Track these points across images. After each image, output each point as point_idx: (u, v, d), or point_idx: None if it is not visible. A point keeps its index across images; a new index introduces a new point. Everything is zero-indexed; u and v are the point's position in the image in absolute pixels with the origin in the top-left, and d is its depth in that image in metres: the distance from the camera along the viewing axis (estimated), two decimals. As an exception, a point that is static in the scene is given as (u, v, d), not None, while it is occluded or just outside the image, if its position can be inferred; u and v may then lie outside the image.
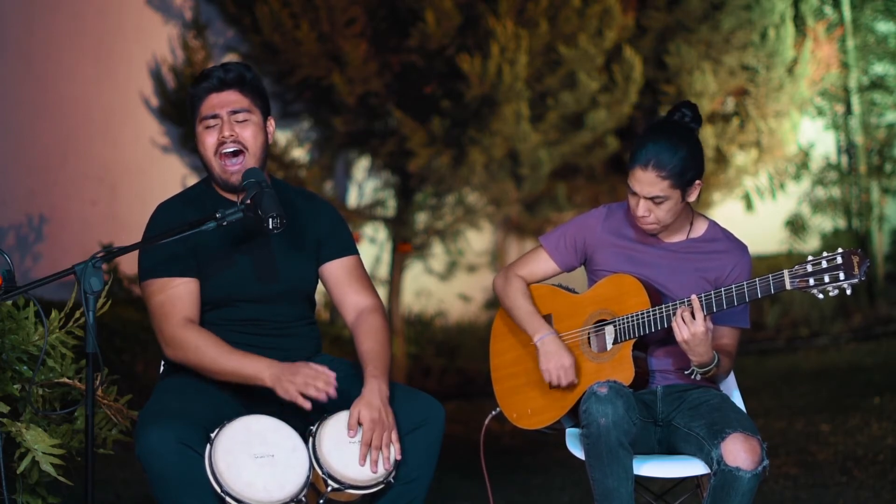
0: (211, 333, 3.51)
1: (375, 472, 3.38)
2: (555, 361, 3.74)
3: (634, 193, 3.67)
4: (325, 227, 3.74)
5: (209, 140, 3.57)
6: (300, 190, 3.86)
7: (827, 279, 3.39)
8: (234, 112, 3.57)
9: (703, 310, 3.53)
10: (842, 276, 3.37)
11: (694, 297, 3.55)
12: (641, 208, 3.67)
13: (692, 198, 3.71)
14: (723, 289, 3.54)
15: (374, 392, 3.46)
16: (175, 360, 3.53)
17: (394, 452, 3.41)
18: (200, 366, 3.49)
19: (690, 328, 3.51)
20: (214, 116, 3.56)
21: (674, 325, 3.54)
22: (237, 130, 3.57)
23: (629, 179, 3.67)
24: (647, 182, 3.63)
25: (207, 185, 3.70)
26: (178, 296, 3.53)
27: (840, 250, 3.39)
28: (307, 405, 3.38)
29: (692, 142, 3.69)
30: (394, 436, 3.42)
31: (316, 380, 3.38)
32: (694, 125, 3.74)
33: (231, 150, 3.56)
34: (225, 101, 3.57)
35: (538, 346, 3.78)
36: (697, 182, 3.70)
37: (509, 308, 3.92)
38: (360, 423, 3.40)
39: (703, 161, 3.71)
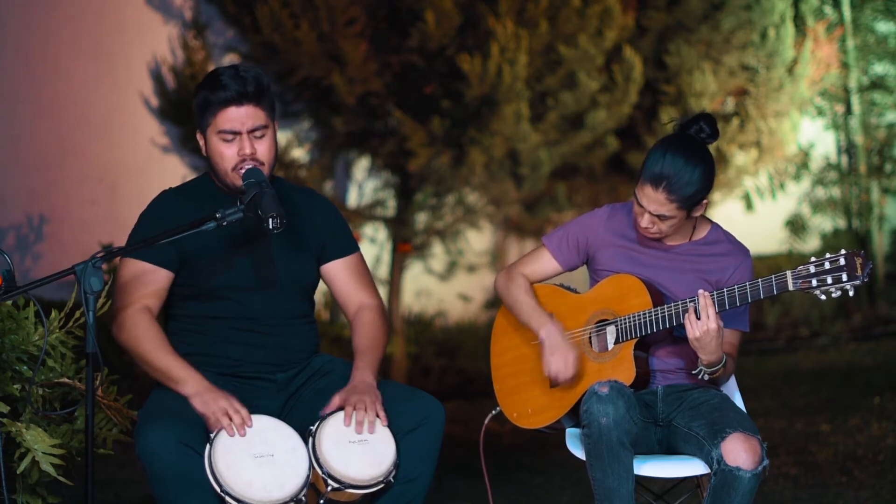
0: (159, 329, 3.54)
1: (360, 434, 3.39)
2: (558, 355, 3.73)
3: (640, 206, 3.66)
4: (327, 226, 3.75)
5: (227, 152, 3.57)
6: (299, 187, 3.87)
7: (830, 280, 3.39)
8: (253, 129, 3.57)
9: (714, 306, 3.52)
10: (844, 277, 3.37)
11: (705, 293, 3.53)
12: (645, 221, 3.67)
13: (697, 213, 3.71)
14: (725, 289, 3.54)
15: (356, 380, 3.51)
16: (117, 341, 3.55)
17: (381, 420, 3.42)
18: (136, 353, 3.51)
19: (704, 325, 3.51)
20: (234, 132, 3.56)
21: (686, 322, 3.53)
22: (256, 146, 3.57)
23: (638, 190, 3.65)
24: (654, 201, 3.62)
25: (208, 179, 3.70)
26: (145, 282, 3.55)
27: (843, 251, 3.39)
28: (211, 428, 3.36)
29: (707, 162, 3.64)
30: (379, 407, 3.44)
31: (235, 414, 3.36)
32: (710, 141, 3.68)
33: (250, 167, 3.56)
34: (245, 117, 3.55)
35: (544, 339, 3.78)
36: (704, 201, 3.69)
37: (512, 305, 3.91)
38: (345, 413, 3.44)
39: (713, 179, 3.66)
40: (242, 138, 3.56)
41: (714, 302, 3.52)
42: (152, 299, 3.55)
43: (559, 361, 3.72)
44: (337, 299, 3.79)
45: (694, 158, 3.61)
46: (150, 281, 3.55)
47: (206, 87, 3.59)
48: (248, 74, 3.58)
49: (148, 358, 3.49)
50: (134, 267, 3.56)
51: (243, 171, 3.56)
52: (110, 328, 3.60)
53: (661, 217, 3.65)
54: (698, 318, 3.52)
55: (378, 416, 3.44)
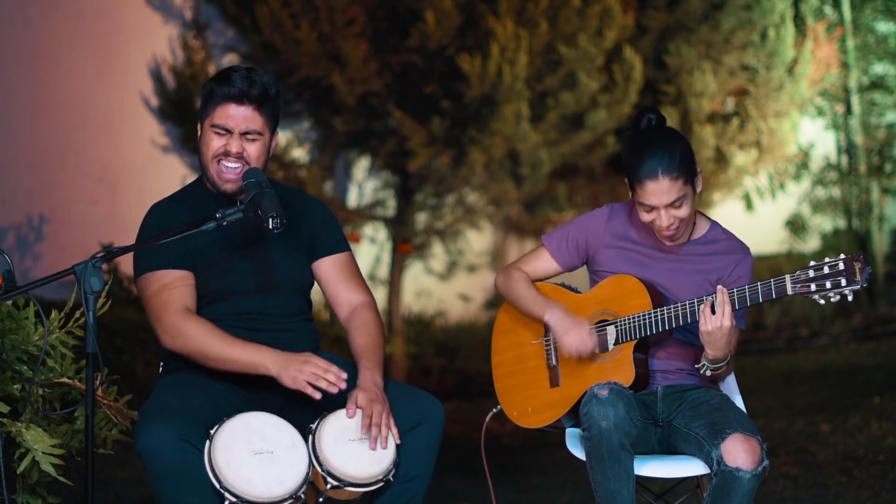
0: (210, 322, 3.53)
1: (374, 450, 3.39)
2: (573, 333, 3.72)
3: (651, 209, 3.65)
4: (317, 223, 3.76)
5: (214, 143, 3.58)
6: (289, 188, 3.89)
7: (829, 285, 3.38)
8: (246, 132, 3.57)
9: (731, 304, 3.51)
10: (843, 282, 3.37)
11: (724, 289, 3.53)
12: (665, 219, 3.65)
13: (699, 187, 3.72)
14: (725, 291, 3.54)
15: (368, 381, 3.51)
16: (175, 350, 3.53)
17: (393, 438, 3.42)
18: (201, 353, 3.49)
19: (718, 321, 3.50)
20: (226, 129, 3.57)
21: (700, 315, 3.52)
22: (244, 146, 3.58)
23: (640, 197, 3.64)
24: (663, 191, 3.61)
25: (200, 184, 3.71)
26: (175, 287, 3.54)
27: (842, 256, 3.38)
28: (317, 395, 3.40)
29: (675, 134, 3.72)
30: (391, 420, 3.44)
31: (326, 373, 3.40)
32: (663, 123, 3.77)
33: (233, 164, 3.57)
34: (241, 118, 3.56)
35: (550, 323, 3.77)
36: (699, 170, 3.71)
37: (514, 299, 3.91)
38: (358, 408, 3.43)
39: (689, 142, 3.73)
40: (233, 138, 3.57)
41: (733, 300, 3.51)
42: (187, 300, 3.55)
43: (575, 338, 3.71)
44: (327, 297, 3.79)
45: (664, 138, 3.67)
46: (178, 285, 3.55)
47: (215, 79, 3.62)
48: (259, 78, 3.58)
49: (215, 354, 3.48)
50: (157, 277, 3.55)
51: (223, 164, 3.56)
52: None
53: (675, 205, 3.63)
54: (713, 313, 3.51)
55: (392, 431, 3.44)
